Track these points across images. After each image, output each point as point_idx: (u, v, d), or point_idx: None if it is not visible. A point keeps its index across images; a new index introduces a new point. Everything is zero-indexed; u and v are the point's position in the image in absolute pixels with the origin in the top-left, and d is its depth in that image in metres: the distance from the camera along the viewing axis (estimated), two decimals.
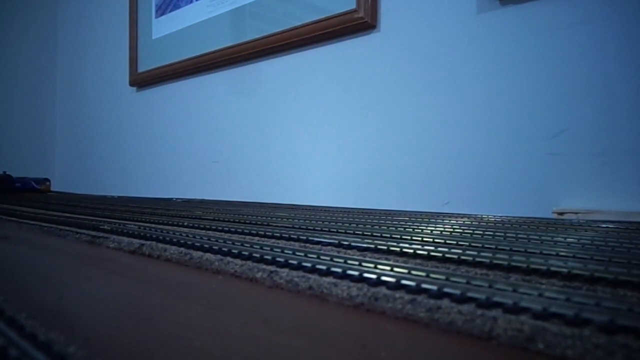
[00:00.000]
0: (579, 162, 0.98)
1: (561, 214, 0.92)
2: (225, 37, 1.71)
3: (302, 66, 1.51)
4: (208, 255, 0.49)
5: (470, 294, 0.32)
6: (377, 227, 0.67)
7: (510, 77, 1.07)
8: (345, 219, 0.83)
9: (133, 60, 2.15)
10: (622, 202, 0.91)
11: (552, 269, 0.39)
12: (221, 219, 0.86)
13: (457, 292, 0.32)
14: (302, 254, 0.46)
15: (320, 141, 1.44)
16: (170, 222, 0.82)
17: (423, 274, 0.37)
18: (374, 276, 0.37)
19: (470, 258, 0.44)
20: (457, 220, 0.79)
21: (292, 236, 0.61)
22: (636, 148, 0.92)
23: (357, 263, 0.41)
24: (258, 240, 0.58)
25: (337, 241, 0.56)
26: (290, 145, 1.52)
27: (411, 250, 0.49)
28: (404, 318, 0.31)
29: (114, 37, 2.30)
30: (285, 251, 0.48)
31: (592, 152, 0.96)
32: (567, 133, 0.99)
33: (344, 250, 0.53)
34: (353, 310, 0.33)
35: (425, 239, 0.56)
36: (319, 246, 0.55)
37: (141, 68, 2.11)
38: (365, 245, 0.53)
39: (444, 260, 0.46)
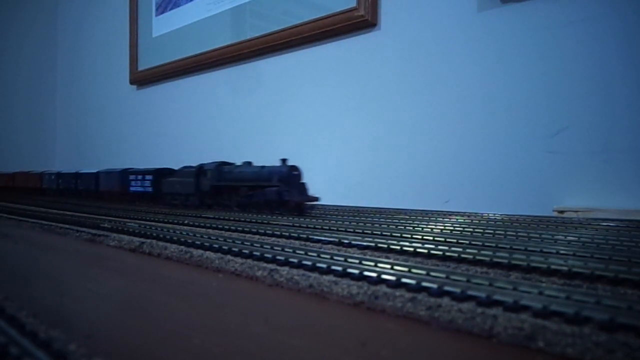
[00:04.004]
0: (579, 160, 0.97)
1: (562, 212, 0.92)
2: (225, 36, 1.70)
3: (302, 64, 1.50)
4: (208, 253, 0.49)
5: (470, 292, 0.32)
6: (377, 225, 0.67)
7: (511, 75, 1.07)
8: (345, 217, 0.83)
9: (133, 59, 2.15)
10: (623, 200, 0.91)
11: (553, 267, 0.39)
12: (221, 217, 0.86)
13: (458, 290, 0.32)
14: (302, 252, 0.47)
15: (321, 139, 1.44)
16: (170, 221, 0.82)
17: (423, 272, 0.37)
18: (374, 274, 0.37)
19: (471, 256, 0.44)
20: (457, 219, 0.79)
21: (292, 234, 0.61)
22: (636, 146, 0.91)
23: (357, 261, 0.42)
24: (258, 239, 0.58)
25: (337, 239, 0.56)
26: (290, 143, 1.52)
27: (411, 249, 0.49)
28: (405, 316, 0.31)
29: (114, 35, 2.30)
30: (286, 249, 0.48)
31: (592, 150, 0.96)
32: (567, 131, 0.99)
33: (344, 248, 0.53)
34: (353, 309, 0.33)
35: (425, 237, 0.56)
36: (319, 244, 0.55)
37: (141, 66, 2.11)
38: (365, 243, 0.53)
39: (444, 258, 0.46)
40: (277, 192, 0.87)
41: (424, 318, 0.30)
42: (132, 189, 1.25)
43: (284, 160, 0.93)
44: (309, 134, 1.47)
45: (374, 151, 1.31)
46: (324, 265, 0.40)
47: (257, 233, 0.65)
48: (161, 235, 0.61)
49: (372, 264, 0.40)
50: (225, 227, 0.71)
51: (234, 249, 0.50)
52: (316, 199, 0.89)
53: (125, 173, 1.29)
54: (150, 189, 1.19)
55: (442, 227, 0.65)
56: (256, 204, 0.92)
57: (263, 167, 0.94)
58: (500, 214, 0.87)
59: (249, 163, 1.00)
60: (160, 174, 1.17)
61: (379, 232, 0.61)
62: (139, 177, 1.23)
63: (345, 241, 0.55)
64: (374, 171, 1.31)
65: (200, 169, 1.05)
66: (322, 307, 0.34)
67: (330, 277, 0.38)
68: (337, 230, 0.65)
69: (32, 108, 2.71)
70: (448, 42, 1.17)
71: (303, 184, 0.92)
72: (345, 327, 0.31)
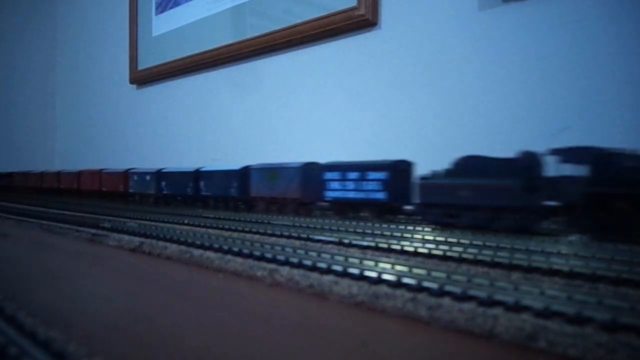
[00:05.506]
0: None
1: None
2: (225, 35, 1.70)
3: (303, 64, 1.50)
4: (208, 253, 0.49)
5: (471, 292, 0.32)
6: (377, 225, 0.67)
7: (511, 74, 1.07)
8: (346, 216, 0.83)
9: (133, 58, 2.15)
10: None
11: (554, 267, 0.39)
12: (221, 216, 0.86)
13: (458, 290, 0.32)
14: (302, 252, 0.46)
15: (321, 139, 1.44)
16: (170, 220, 0.82)
17: (424, 272, 0.37)
18: (374, 274, 0.37)
19: (472, 256, 0.44)
20: None
21: (293, 234, 0.61)
22: (637, 146, 0.91)
23: (357, 261, 0.41)
24: (258, 239, 0.58)
25: (337, 239, 0.56)
26: (290, 143, 1.52)
27: (412, 249, 0.49)
28: (405, 316, 0.31)
29: (114, 35, 2.30)
30: (286, 249, 0.48)
31: None
32: (568, 131, 0.99)
33: (344, 248, 0.53)
34: (354, 309, 0.33)
35: (426, 237, 0.56)
36: (319, 244, 0.55)
37: (141, 66, 2.11)
38: (366, 243, 0.53)
39: (444, 258, 0.46)
40: None
41: (424, 318, 0.30)
42: (331, 194, 0.82)
43: None
44: (310, 133, 1.47)
45: (374, 151, 1.31)
46: (325, 265, 0.40)
47: (257, 233, 0.65)
48: (161, 235, 0.61)
49: (373, 263, 0.40)
50: (225, 227, 0.71)
51: (234, 248, 0.50)
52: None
53: (312, 169, 0.86)
54: (380, 196, 0.74)
55: (443, 227, 0.65)
56: None
57: None
58: None
59: None
60: (401, 170, 0.75)
61: (380, 232, 0.60)
62: (352, 175, 0.79)
63: (346, 241, 0.55)
64: None
65: (533, 161, 0.59)
66: (322, 307, 0.34)
67: (331, 277, 0.38)
68: (338, 230, 0.65)
69: (31, 108, 2.71)
70: (449, 41, 1.17)
71: None
72: (345, 327, 0.30)
